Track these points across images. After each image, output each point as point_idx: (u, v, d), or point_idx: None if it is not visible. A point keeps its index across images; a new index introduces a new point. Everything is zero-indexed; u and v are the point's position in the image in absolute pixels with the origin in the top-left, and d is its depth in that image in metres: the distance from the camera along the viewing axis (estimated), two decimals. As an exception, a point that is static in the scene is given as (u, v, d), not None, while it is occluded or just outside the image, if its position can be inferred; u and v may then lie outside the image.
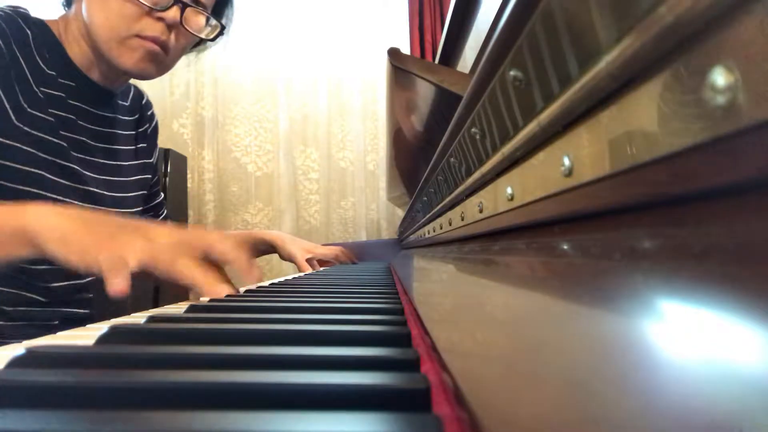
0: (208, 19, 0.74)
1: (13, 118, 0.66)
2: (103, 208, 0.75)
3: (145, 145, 0.89)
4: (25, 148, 0.67)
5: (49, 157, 0.69)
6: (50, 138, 0.70)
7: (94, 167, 0.77)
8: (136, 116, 0.88)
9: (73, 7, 0.72)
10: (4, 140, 0.65)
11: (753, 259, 0.09)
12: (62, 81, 0.72)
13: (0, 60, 0.65)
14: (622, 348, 0.11)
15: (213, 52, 2.34)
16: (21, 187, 0.66)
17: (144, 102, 0.91)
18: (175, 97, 2.23)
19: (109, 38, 0.68)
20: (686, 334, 0.09)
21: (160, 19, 0.68)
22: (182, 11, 0.69)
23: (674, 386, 0.09)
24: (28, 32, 0.69)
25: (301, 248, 1.27)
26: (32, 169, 0.67)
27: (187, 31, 0.71)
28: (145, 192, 0.88)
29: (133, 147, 0.86)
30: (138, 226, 0.52)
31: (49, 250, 0.48)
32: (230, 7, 0.81)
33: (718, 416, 0.08)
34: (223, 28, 0.77)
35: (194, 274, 0.48)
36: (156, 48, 0.69)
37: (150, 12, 0.67)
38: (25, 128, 0.67)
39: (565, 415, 0.11)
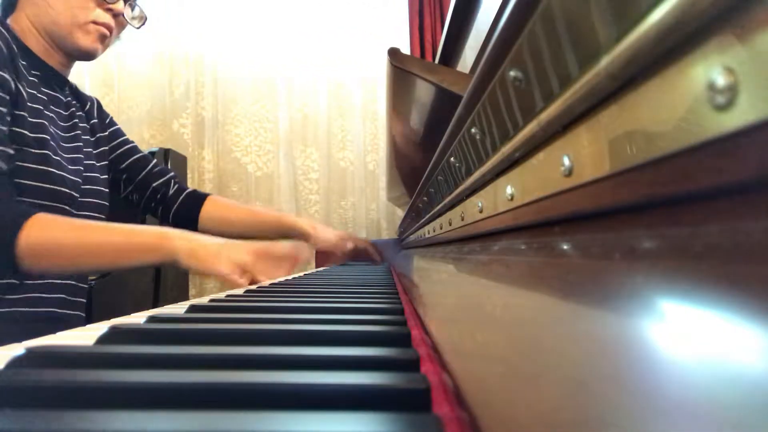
0: (134, 11, 0.96)
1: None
2: (76, 180, 0.87)
3: (96, 121, 1.01)
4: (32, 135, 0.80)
5: (50, 136, 0.82)
6: (31, 134, 0.80)
7: (64, 150, 0.87)
8: (80, 102, 0.99)
9: (19, 6, 0.88)
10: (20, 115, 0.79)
11: (753, 259, 0.09)
12: (32, 72, 0.85)
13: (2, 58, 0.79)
14: (622, 348, 0.11)
15: (213, 51, 2.34)
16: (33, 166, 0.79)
17: (77, 88, 1.01)
18: (175, 97, 2.23)
19: (70, 24, 0.86)
20: (686, 334, 0.09)
21: (109, 9, 0.89)
22: (125, 3, 0.91)
23: (674, 386, 0.09)
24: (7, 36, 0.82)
25: (335, 233, 1.28)
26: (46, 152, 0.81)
27: (124, 19, 0.92)
28: (107, 176, 0.99)
29: (92, 136, 0.98)
30: (227, 244, 0.76)
31: (185, 261, 0.72)
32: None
33: (718, 416, 0.08)
34: (146, 19, 0.97)
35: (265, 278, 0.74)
36: (106, 31, 0.88)
37: (101, 3, 0.88)
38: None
39: (565, 415, 0.11)
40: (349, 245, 1.31)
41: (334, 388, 0.17)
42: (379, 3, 2.42)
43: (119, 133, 1.08)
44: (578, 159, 0.16)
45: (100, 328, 0.30)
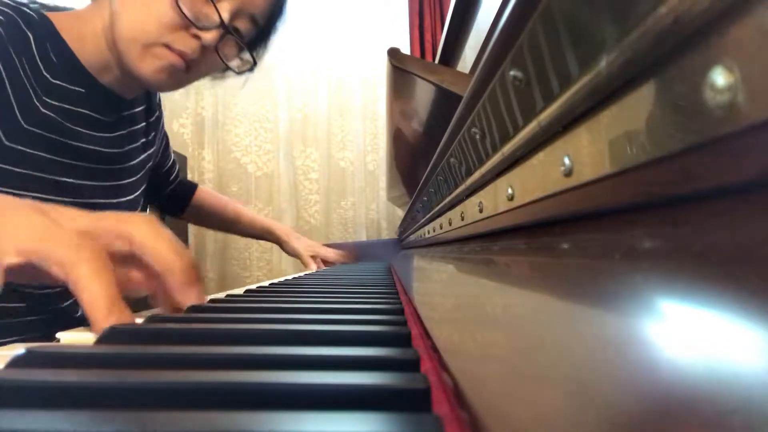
0: (241, 51, 0.70)
1: (2, 138, 0.59)
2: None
3: (154, 133, 0.86)
4: (15, 169, 0.60)
5: (42, 174, 0.64)
6: (47, 155, 0.64)
7: (98, 175, 0.71)
8: (148, 105, 0.83)
9: (102, 1, 0.66)
10: None
11: (753, 259, 0.09)
12: (70, 87, 0.66)
13: None
14: (622, 348, 0.11)
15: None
16: None
17: (153, 94, 0.85)
18: (175, 97, 2.23)
19: (134, 39, 0.62)
20: (686, 335, 0.09)
21: (196, 36, 0.63)
22: (222, 37, 0.64)
23: (674, 386, 0.09)
24: (30, 35, 0.62)
25: (306, 246, 1.30)
26: (22, 192, 0.60)
27: (219, 57, 0.67)
28: (143, 187, 0.84)
29: (141, 141, 0.81)
30: (33, 204, 0.34)
31: None
32: (264, 46, 0.76)
33: (718, 416, 0.08)
34: (254, 64, 0.72)
35: (92, 286, 0.30)
36: (181, 63, 0.64)
37: (188, 27, 0.62)
38: (19, 147, 0.61)
39: (565, 415, 0.11)
40: (314, 265, 1.29)
41: (333, 388, 0.17)
42: (379, 3, 2.42)
43: (165, 145, 0.97)
44: (578, 159, 0.16)
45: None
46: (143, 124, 0.80)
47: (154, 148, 0.87)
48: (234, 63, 0.70)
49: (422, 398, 0.17)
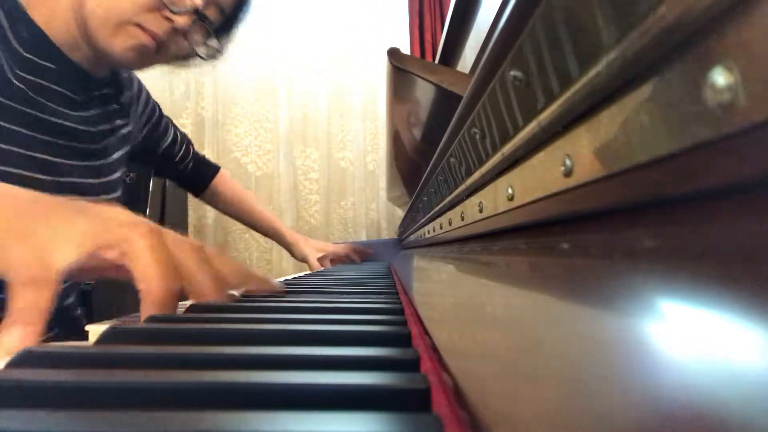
0: (208, 38, 0.71)
1: None
2: (89, 197, 0.70)
3: (130, 114, 0.84)
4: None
5: (25, 152, 0.64)
6: (25, 131, 0.64)
7: (75, 154, 0.72)
8: (116, 87, 0.82)
9: None
10: None
11: (753, 259, 0.09)
12: (41, 63, 0.66)
13: None
14: (622, 348, 0.11)
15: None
16: None
17: (125, 74, 0.84)
18: (175, 97, 2.23)
19: (108, 17, 0.63)
20: (686, 335, 0.09)
21: (169, 19, 0.65)
22: (193, 22, 0.67)
23: (674, 386, 0.09)
24: (1, 11, 0.63)
25: (314, 248, 1.32)
26: (5, 168, 0.61)
27: (187, 41, 0.69)
28: (122, 170, 0.83)
29: (116, 123, 0.81)
30: (83, 205, 0.36)
31: None
32: (228, 37, 0.79)
33: (718, 416, 0.08)
34: (219, 53, 0.75)
35: (152, 270, 0.34)
36: (152, 44, 0.65)
37: (162, 9, 0.64)
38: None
39: (565, 415, 0.11)
40: (326, 261, 1.34)
41: (333, 388, 0.17)
42: (379, 3, 2.42)
43: (157, 123, 0.96)
44: (578, 159, 0.16)
45: (100, 328, 0.30)
46: (116, 106, 0.81)
47: (130, 128, 0.85)
48: (201, 50, 0.72)
49: (422, 398, 0.17)
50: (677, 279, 0.11)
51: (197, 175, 1.15)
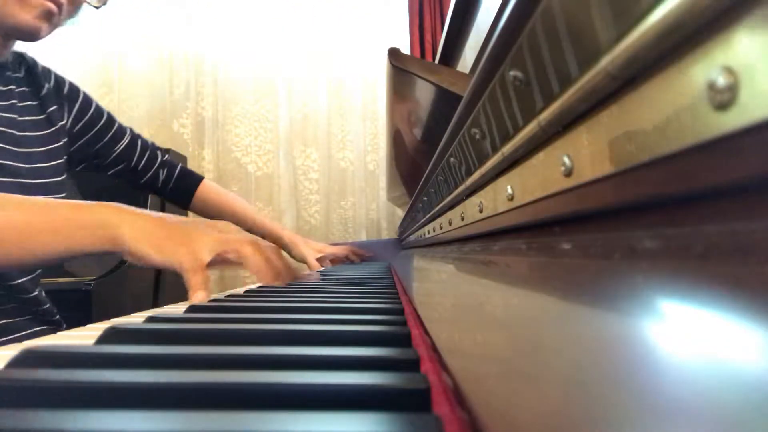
0: None
1: None
2: (21, 180, 0.75)
3: (55, 107, 0.87)
4: None
5: None
6: None
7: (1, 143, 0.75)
8: (33, 83, 0.86)
9: None
10: None
11: (753, 259, 0.09)
12: None
13: None
14: (622, 348, 0.11)
15: (213, 51, 2.32)
16: None
17: (36, 66, 0.88)
18: (175, 97, 2.23)
19: None
20: (686, 335, 0.09)
21: None
22: None
23: (674, 386, 0.09)
24: None
25: (312, 249, 1.31)
26: None
27: None
28: (61, 161, 0.85)
29: (41, 116, 0.84)
30: (209, 223, 0.59)
31: (131, 247, 0.51)
32: None
33: (719, 416, 0.08)
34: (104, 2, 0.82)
35: (258, 262, 0.57)
36: (54, 7, 0.71)
37: None
38: None
39: (565, 415, 0.11)
40: (326, 261, 1.33)
41: (333, 388, 0.17)
42: (379, 3, 2.42)
43: (94, 121, 0.95)
44: (578, 159, 0.16)
45: (100, 328, 0.30)
46: (36, 102, 0.84)
47: (62, 124, 0.88)
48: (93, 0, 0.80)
49: (422, 398, 0.17)
50: (677, 279, 0.11)
51: (180, 187, 1.14)
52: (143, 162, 1.07)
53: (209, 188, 1.20)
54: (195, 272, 0.51)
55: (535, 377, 0.14)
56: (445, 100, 0.58)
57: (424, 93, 0.66)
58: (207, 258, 0.52)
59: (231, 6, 2.27)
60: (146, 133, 2.20)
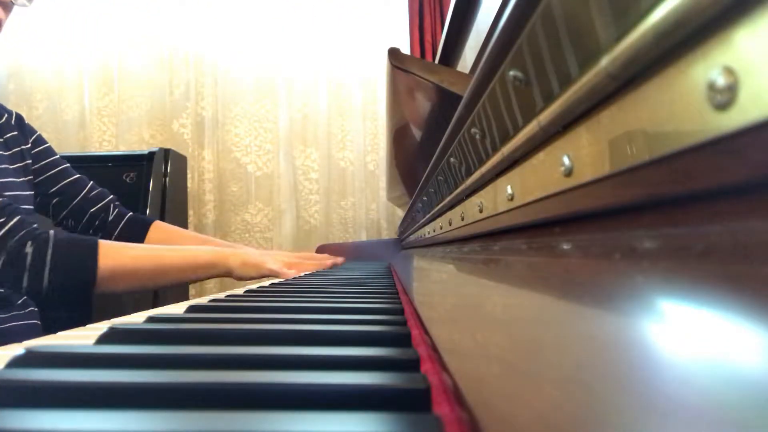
0: None
1: None
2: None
3: (28, 146, 0.93)
4: None
5: None
6: None
7: None
8: None
9: None
10: None
11: (753, 259, 0.09)
12: None
13: None
14: (622, 348, 0.11)
15: (213, 51, 2.33)
16: None
17: None
18: (175, 97, 2.23)
19: None
20: (686, 334, 0.09)
21: None
22: None
23: (674, 386, 0.09)
24: None
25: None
26: None
27: None
28: (30, 193, 0.90)
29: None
30: (268, 251, 0.83)
31: (239, 272, 0.84)
32: None
33: (718, 416, 0.08)
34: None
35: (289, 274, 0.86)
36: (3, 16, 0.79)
37: None
38: None
39: (565, 415, 0.11)
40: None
41: (334, 388, 0.17)
42: (379, 3, 2.42)
43: (49, 152, 0.97)
44: (578, 159, 0.16)
45: (100, 328, 0.30)
46: None
47: (24, 147, 0.93)
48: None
49: (422, 398, 0.17)
50: (676, 278, 0.11)
51: (134, 230, 1.05)
52: (93, 193, 1.02)
53: (161, 228, 1.10)
54: (282, 271, 0.85)
55: (534, 377, 0.14)
56: (445, 100, 0.58)
57: (424, 93, 0.66)
58: (266, 271, 0.85)
59: (231, 6, 2.27)
60: (146, 133, 2.20)
